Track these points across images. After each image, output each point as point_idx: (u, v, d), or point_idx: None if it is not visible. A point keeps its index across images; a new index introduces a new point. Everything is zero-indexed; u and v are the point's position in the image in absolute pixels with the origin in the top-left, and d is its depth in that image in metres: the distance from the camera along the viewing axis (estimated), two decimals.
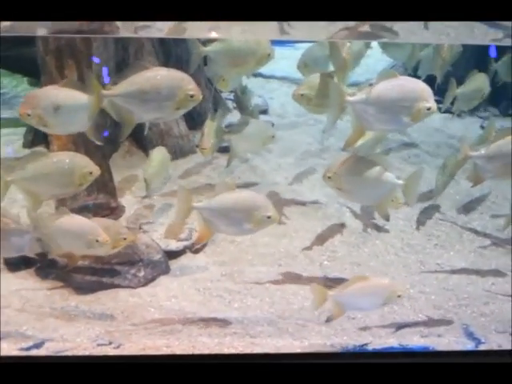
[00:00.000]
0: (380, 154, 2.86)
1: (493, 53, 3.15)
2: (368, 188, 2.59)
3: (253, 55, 2.96)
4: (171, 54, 4.64)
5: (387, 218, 2.75)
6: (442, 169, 3.56)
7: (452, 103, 3.70)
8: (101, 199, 3.14)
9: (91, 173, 2.55)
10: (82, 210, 2.96)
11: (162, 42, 4.60)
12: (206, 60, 3.20)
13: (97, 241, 2.58)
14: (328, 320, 2.67)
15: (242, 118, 3.69)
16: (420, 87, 2.35)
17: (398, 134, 4.67)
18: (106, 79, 2.41)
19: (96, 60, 4.32)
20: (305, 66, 3.32)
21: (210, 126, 3.44)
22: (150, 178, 3.33)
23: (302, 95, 2.90)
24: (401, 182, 2.56)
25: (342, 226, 3.59)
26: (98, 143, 2.58)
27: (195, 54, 3.00)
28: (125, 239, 2.66)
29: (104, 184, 3.25)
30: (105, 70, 2.55)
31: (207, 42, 3.04)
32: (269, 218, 2.49)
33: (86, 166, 2.55)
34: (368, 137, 3.46)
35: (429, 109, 2.32)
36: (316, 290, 2.52)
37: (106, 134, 3.43)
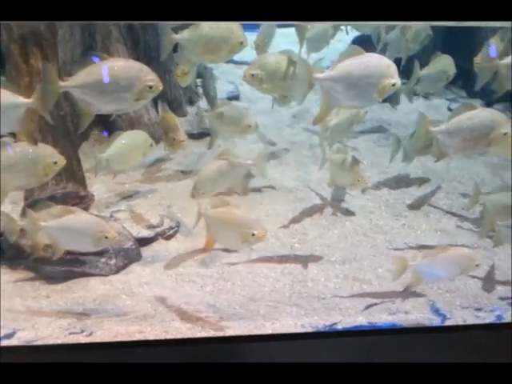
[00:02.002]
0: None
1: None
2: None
3: (225, 43, 2.95)
4: (139, 40, 4.60)
5: (245, 194, 3.33)
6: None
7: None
8: (69, 188, 3.11)
9: (56, 162, 2.53)
10: (50, 200, 2.94)
11: (130, 28, 4.56)
12: (176, 47, 3.18)
13: (106, 237, 2.56)
14: (406, 290, 2.78)
15: (222, 102, 3.69)
16: (385, 63, 2.39)
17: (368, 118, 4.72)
18: (106, 79, 2.38)
19: (96, 60, 4.27)
20: (262, 44, 3.34)
21: (174, 117, 3.39)
22: (104, 157, 3.28)
23: (252, 75, 2.89)
24: (250, 162, 3.06)
25: (323, 206, 3.63)
26: (32, 144, 2.54)
27: (166, 41, 2.98)
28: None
29: (73, 173, 3.22)
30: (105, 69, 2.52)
31: (178, 28, 3.02)
32: (253, 235, 2.60)
33: (50, 155, 2.53)
34: (342, 116, 3.52)
35: (394, 85, 2.37)
36: (397, 260, 2.68)
37: (105, 133, 3.39)
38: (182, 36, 2.92)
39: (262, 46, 3.66)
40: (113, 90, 2.32)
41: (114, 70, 2.33)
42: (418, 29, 3.82)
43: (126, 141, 3.37)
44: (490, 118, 2.62)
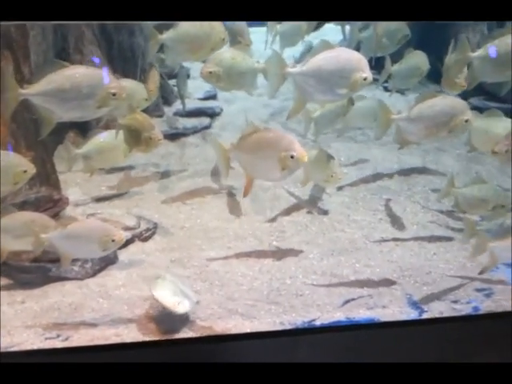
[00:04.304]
0: None
1: None
2: None
3: (208, 41, 2.95)
4: (113, 41, 4.57)
5: None
6: None
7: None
8: (43, 192, 3.07)
9: (26, 171, 2.50)
10: (24, 204, 2.92)
11: (104, 29, 4.52)
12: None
13: (113, 240, 2.51)
14: (481, 272, 2.78)
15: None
16: (356, 58, 2.41)
17: None
18: (106, 79, 2.36)
19: (96, 60, 4.23)
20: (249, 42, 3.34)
21: (147, 116, 3.34)
22: (80, 153, 3.30)
23: (210, 73, 2.88)
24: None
25: (301, 203, 3.63)
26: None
27: (152, 42, 2.97)
28: None
29: (47, 176, 3.19)
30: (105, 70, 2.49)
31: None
32: (292, 157, 2.36)
33: (19, 164, 2.50)
34: (328, 107, 3.52)
35: (365, 79, 2.38)
36: (478, 239, 2.67)
37: (103, 135, 3.36)
38: (168, 36, 2.92)
39: (249, 44, 3.64)
40: (74, 97, 2.30)
41: (76, 77, 2.31)
42: (395, 28, 3.81)
43: (105, 139, 3.33)
44: (451, 106, 2.66)
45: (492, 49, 2.88)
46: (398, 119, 2.66)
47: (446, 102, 2.67)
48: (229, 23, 3.28)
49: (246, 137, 2.51)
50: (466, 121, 2.65)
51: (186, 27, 2.90)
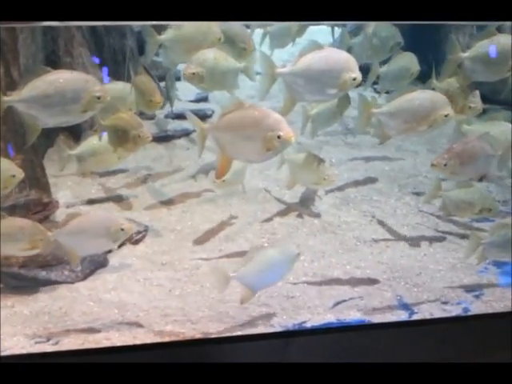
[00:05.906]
0: None
1: None
2: None
3: (205, 40, 2.95)
4: (103, 43, 4.56)
5: None
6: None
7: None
8: (32, 195, 3.06)
9: (14, 176, 2.49)
10: (13, 208, 2.90)
11: (94, 31, 4.51)
12: (142, 49, 3.17)
13: (122, 229, 2.46)
14: None
15: None
16: (345, 58, 2.42)
17: None
18: (106, 79, 2.34)
19: (96, 60, 4.21)
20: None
21: (133, 115, 3.31)
22: (74, 154, 3.30)
23: (193, 74, 2.87)
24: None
25: (292, 205, 3.61)
26: None
27: (151, 43, 2.97)
28: (42, 240, 2.51)
29: (36, 180, 3.18)
30: (105, 70, 2.46)
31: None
32: (279, 137, 2.17)
33: (7, 169, 2.48)
34: (325, 106, 3.52)
35: (354, 79, 2.39)
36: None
37: (104, 134, 3.35)
38: (167, 37, 2.92)
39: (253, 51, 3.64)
40: (59, 102, 2.29)
41: (60, 82, 2.29)
42: (387, 35, 3.81)
43: (99, 141, 3.31)
44: (430, 100, 2.65)
45: (484, 48, 2.91)
46: (377, 113, 2.67)
47: (425, 96, 2.66)
48: (231, 30, 3.29)
49: (229, 114, 2.30)
50: (446, 115, 2.65)
51: (183, 27, 2.90)
